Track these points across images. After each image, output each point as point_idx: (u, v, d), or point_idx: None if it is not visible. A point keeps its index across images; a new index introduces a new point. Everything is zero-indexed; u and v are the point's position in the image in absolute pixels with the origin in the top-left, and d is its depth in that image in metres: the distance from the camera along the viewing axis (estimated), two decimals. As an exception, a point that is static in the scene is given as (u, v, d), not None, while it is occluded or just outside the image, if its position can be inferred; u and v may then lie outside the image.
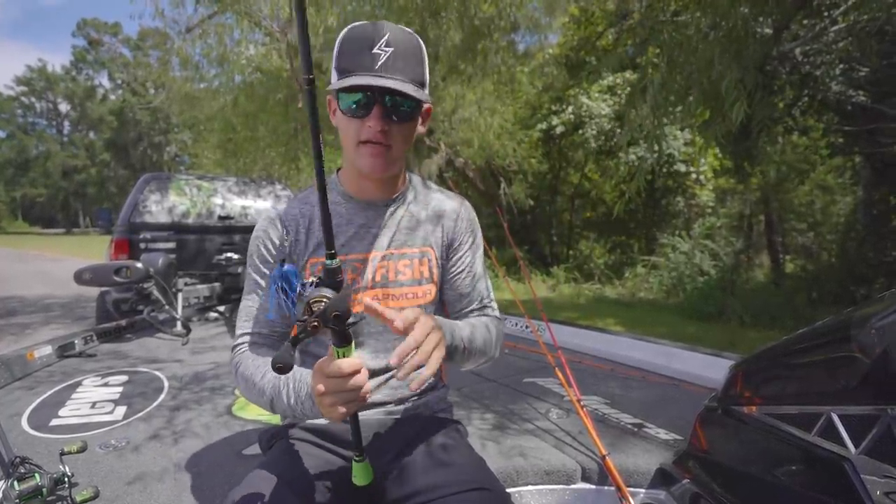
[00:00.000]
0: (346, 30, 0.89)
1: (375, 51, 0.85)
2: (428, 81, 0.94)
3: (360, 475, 0.81)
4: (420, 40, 0.92)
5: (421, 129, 0.98)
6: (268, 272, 0.97)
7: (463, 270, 1.05)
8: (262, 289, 0.97)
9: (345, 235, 0.98)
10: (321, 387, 0.71)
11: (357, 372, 0.71)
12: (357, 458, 0.80)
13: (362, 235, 0.99)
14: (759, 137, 3.76)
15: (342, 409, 0.72)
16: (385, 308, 0.75)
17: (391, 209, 1.02)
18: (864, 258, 7.01)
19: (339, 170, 1.04)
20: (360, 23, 0.89)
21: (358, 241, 0.98)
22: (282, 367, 0.64)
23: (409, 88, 0.86)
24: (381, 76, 0.84)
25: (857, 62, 5.90)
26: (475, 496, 0.84)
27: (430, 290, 1.02)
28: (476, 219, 1.11)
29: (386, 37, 0.85)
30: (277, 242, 0.97)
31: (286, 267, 0.75)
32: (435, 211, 1.05)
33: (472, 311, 1.07)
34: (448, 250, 1.05)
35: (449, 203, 1.07)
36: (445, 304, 1.08)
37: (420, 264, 1.01)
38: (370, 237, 0.99)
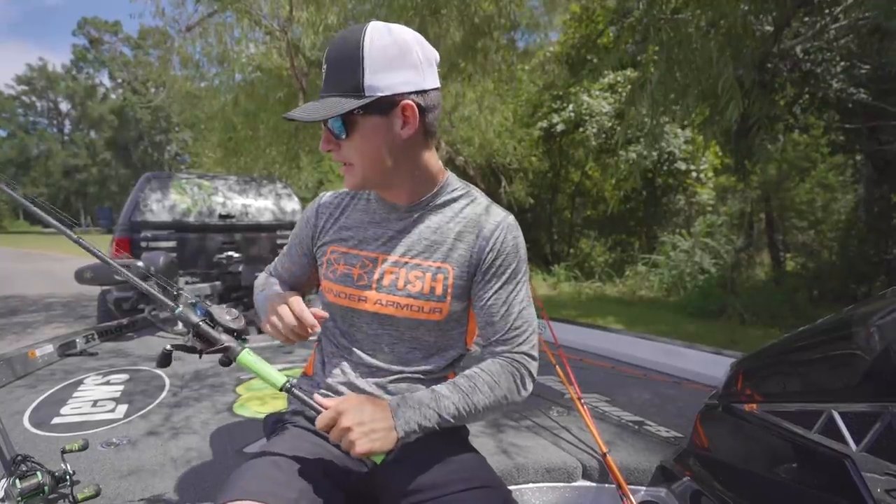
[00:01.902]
0: None
1: (323, 71, 0.88)
2: (376, 81, 0.82)
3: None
4: (363, 36, 0.83)
5: (405, 130, 0.86)
6: (295, 242, 1.09)
7: (493, 300, 0.95)
8: (287, 252, 1.12)
9: (364, 231, 0.99)
10: (274, 312, 0.90)
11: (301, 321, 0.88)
12: None
13: (379, 235, 0.98)
14: (756, 135, 3.77)
15: (275, 332, 0.91)
16: (323, 401, 0.84)
17: (415, 215, 0.97)
18: (864, 256, 7.01)
19: None
20: None
21: (374, 240, 0.98)
22: (161, 363, 0.87)
23: (314, 109, 0.86)
24: (321, 96, 0.87)
25: (858, 59, 5.89)
26: (479, 494, 0.84)
27: (439, 308, 0.95)
28: (520, 242, 0.97)
29: (326, 54, 0.87)
30: (309, 222, 1.05)
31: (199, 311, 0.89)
32: (467, 226, 0.96)
33: (496, 342, 0.96)
34: (476, 272, 0.95)
35: (488, 220, 0.96)
36: (478, 328, 1.00)
37: (433, 280, 0.94)
38: (385, 238, 0.97)
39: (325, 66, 0.87)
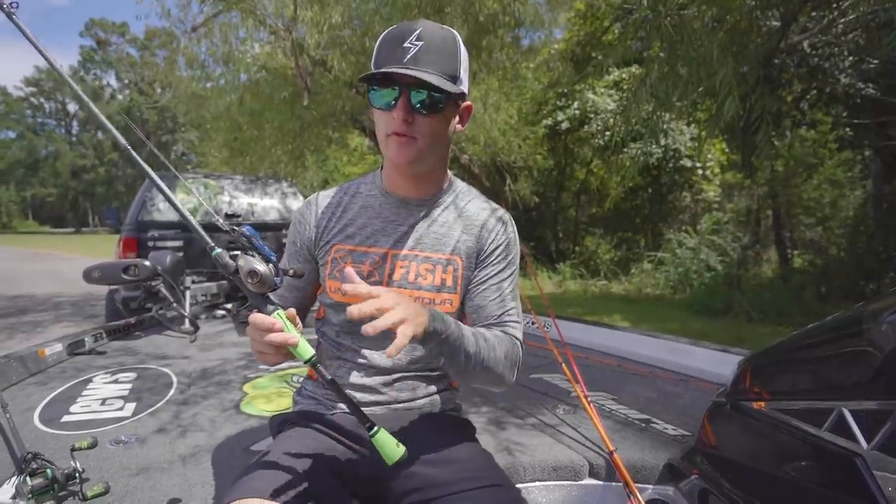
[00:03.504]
0: (384, 33, 0.92)
1: (406, 45, 0.87)
2: (464, 78, 0.92)
3: (385, 450, 0.75)
4: (457, 37, 0.92)
5: (459, 126, 0.97)
6: (294, 249, 1.05)
7: (486, 287, 0.99)
8: (286, 265, 1.05)
9: (371, 227, 0.99)
10: (250, 333, 0.79)
11: (270, 330, 0.74)
12: (371, 432, 0.75)
13: (389, 231, 0.98)
14: (758, 132, 3.76)
15: (261, 356, 0.80)
16: (357, 281, 0.76)
17: (425, 210, 1.00)
18: (873, 253, 6.94)
19: (382, 166, 1.05)
20: (398, 24, 0.91)
21: (383, 236, 0.98)
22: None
23: (435, 79, 0.85)
24: (409, 68, 0.85)
25: (867, 54, 5.82)
26: (489, 493, 0.84)
27: (450, 300, 0.98)
28: (516, 237, 1.04)
29: (418, 31, 0.87)
30: (308, 223, 1.03)
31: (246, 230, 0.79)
32: (471, 219, 1.01)
33: (489, 325, 0.98)
34: (476, 261, 1.00)
35: (488, 214, 1.02)
36: (465, 315, 1.02)
37: (444, 272, 0.97)
38: (397, 234, 0.98)
39: (417, 42, 0.86)
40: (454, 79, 0.89)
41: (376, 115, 0.93)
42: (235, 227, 0.78)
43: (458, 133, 1.00)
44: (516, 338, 0.97)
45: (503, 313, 0.98)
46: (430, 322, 0.78)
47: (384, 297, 0.74)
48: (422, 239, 0.98)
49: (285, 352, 0.77)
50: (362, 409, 0.81)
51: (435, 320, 0.79)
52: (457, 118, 0.96)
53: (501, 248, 1.00)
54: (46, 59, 0.87)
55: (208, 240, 0.79)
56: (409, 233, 0.98)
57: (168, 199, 0.83)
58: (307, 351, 0.76)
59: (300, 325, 0.80)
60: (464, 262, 0.99)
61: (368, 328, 0.71)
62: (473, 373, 0.89)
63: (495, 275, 0.99)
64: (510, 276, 1.01)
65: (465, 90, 0.92)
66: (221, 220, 0.83)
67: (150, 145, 0.88)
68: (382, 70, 0.86)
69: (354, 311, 0.72)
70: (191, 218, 0.81)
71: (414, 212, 0.99)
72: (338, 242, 1.00)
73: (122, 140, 0.87)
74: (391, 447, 0.75)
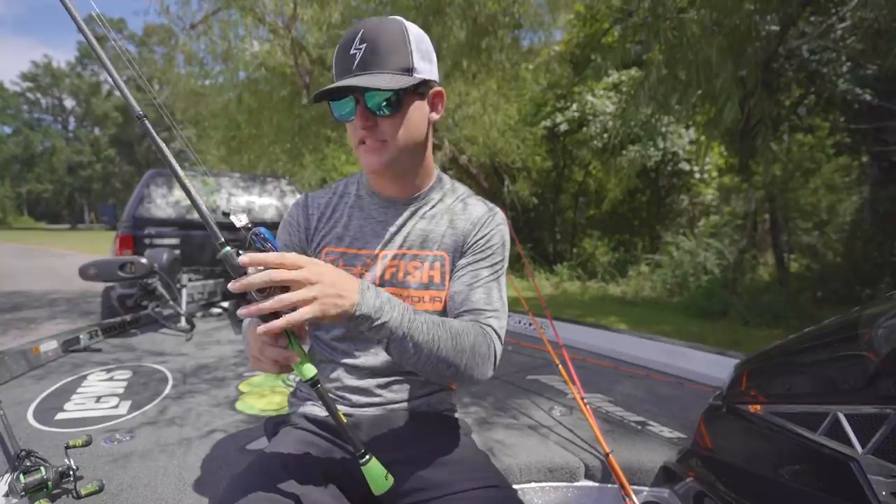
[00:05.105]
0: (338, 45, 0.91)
1: (352, 51, 0.86)
2: (422, 65, 0.88)
3: (374, 480, 0.74)
4: (404, 25, 0.88)
5: (433, 115, 0.94)
6: (288, 251, 1.00)
7: (463, 274, 0.95)
8: None
9: (360, 229, 0.99)
10: (249, 338, 0.78)
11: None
12: (363, 461, 0.74)
13: (378, 232, 0.98)
14: (757, 136, 3.78)
15: (255, 362, 0.78)
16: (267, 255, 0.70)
17: (411, 208, 0.99)
18: (869, 258, 6.97)
19: None
20: (346, 31, 0.89)
21: (372, 237, 0.98)
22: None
23: (376, 80, 0.83)
24: (356, 75, 0.84)
25: (865, 60, 5.85)
26: (485, 494, 0.84)
27: (439, 297, 0.97)
28: (504, 233, 1.00)
29: (360, 34, 0.85)
30: (298, 226, 1.02)
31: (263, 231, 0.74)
32: (457, 214, 1.00)
33: (463, 312, 0.92)
34: (460, 254, 0.98)
35: (475, 210, 1.00)
36: (448, 303, 0.99)
37: (431, 268, 0.97)
38: (385, 234, 0.98)
39: (360, 46, 0.85)
40: (408, 70, 0.86)
41: (346, 127, 0.92)
42: (251, 226, 0.74)
43: (446, 126, 0.99)
44: (492, 328, 0.90)
45: (478, 300, 0.92)
46: (357, 306, 0.72)
47: (302, 270, 0.68)
48: (409, 237, 0.98)
49: (282, 364, 0.74)
50: (357, 410, 0.80)
51: (364, 304, 0.73)
52: (426, 108, 0.92)
53: (484, 237, 0.97)
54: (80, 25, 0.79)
55: (220, 236, 0.72)
56: (397, 232, 0.98)
57: (184, 188, 0.76)
58: (309, 370, 0.72)
59: (308, 341, 0.78)
60: (450, 258, 0.98)
61: (243, 312, 0.68)
62: (427, 365, 0.81)
63: (474, 262, 0.96)
64: (492, 265, 0.96)
65: (427, 76, 0.89)
66: (235, 217, 0.76)
67: (172, 124, 0.85)
68: (327, 88, 0.85)
69: (245, 281, 0.66)
70: (206, 210, 0.75)
71: (401, 211, 0.99)
72: (328, 245, 0.99)
73: (137, 108, 0.78)
74: (380, 478, 0.74)
